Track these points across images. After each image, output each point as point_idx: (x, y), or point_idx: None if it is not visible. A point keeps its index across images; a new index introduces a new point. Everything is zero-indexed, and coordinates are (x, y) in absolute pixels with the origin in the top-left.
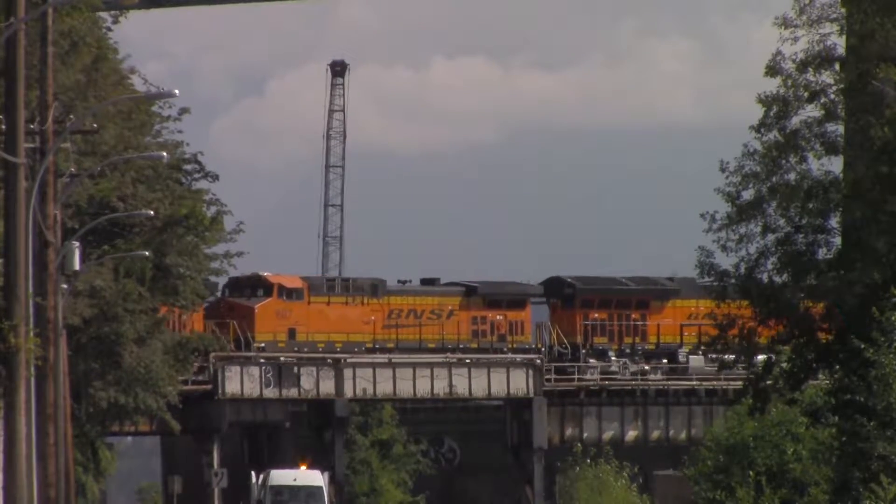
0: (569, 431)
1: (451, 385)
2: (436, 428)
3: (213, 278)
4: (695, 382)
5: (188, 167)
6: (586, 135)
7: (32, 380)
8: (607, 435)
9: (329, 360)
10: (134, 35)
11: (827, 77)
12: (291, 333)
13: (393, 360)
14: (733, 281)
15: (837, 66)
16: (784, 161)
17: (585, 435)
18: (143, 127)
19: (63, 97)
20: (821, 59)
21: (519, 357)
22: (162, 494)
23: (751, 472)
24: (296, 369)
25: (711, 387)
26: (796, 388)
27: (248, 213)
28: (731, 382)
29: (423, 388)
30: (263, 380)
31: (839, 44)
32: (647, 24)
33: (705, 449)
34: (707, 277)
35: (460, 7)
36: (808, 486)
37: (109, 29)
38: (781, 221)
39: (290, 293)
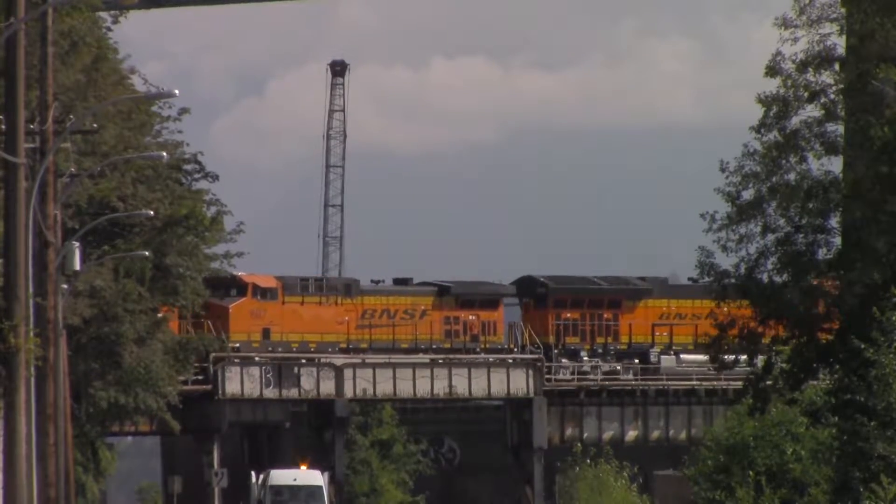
0: (569, 431)
1: (451, 385)
2: (436, 428)
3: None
4: (695, 382)
5: (188, 167)
6: (586, 135)
7: (32, 380)
8: (607, 435)
9: (329, 362)
10: (134, 35)
11: (827, 77)
12: (266, 333)
13: (393, 361)
14: (733, 281)
15: (837, 66)
16: (784, 161)
17: (585, 435)
18: (143, 127)
19: (63, 97)
20: (821, 59)
21: (519, 357)
22: (162, 494)
23: (750, 473)
24: (296, 369)
25: (711, 387)
26: (796, 388)
27: (248, 213)
28: (731, 382)
29: (423, 388)
30: (263, 380)
31: (839, 44)
32: (647, 24)
33: (705, 449)
34: (707, 277)
35: (460, 7)
36: (808, 486)
37: (109, 29)
38: (781, 221)
39: (264, 293)
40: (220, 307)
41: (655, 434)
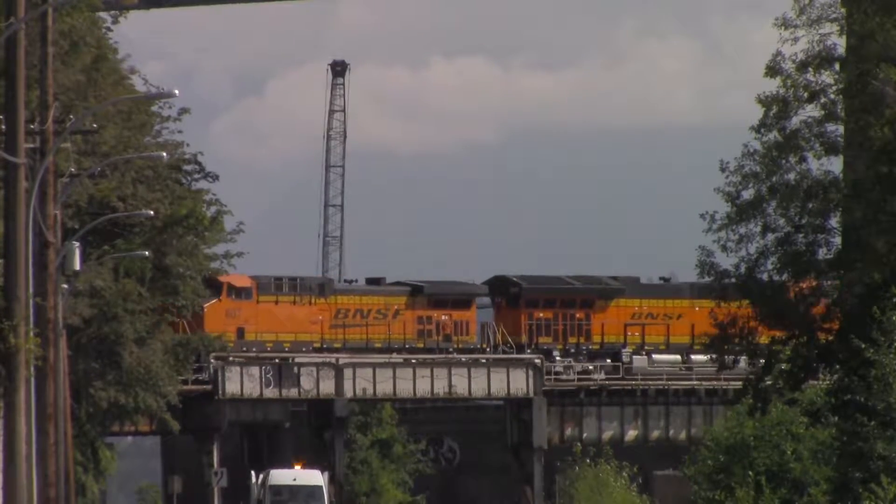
0: (569, 431)
1: (451, 385)
2: (436, 428)
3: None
4: (695, 382)
5: (188, 167)
6: (586, 135)
7: (32, 380)
8: (607, 435)
9: (332, 361)
10: (134, 35)
11: (827, 77)
12: (240, 333)
13: (393, 360)
14: (734, 280)
15: (837, 66)
16: (784, 161)
17: (585, 435)
18: (143, 127)
19: (63, 97)
20: (821, 59)
21: (519, 357)
22: (162, 494)
23: (750, 473)
24: (296, 369)
25: (711, 387)
26: (796, 388)
27: (248, 213)
28: (731, 382)
29: (423, 388)
30: (263, 380)
31: (839, 44)
32: (647, 24)
33: (705, 449)
34: (707, 277)
35: (460, 7)
36: (808, 486)
37: (109, 29)
38: (781, 221)
39: (238, 292)
40: None
41: (655, 434)
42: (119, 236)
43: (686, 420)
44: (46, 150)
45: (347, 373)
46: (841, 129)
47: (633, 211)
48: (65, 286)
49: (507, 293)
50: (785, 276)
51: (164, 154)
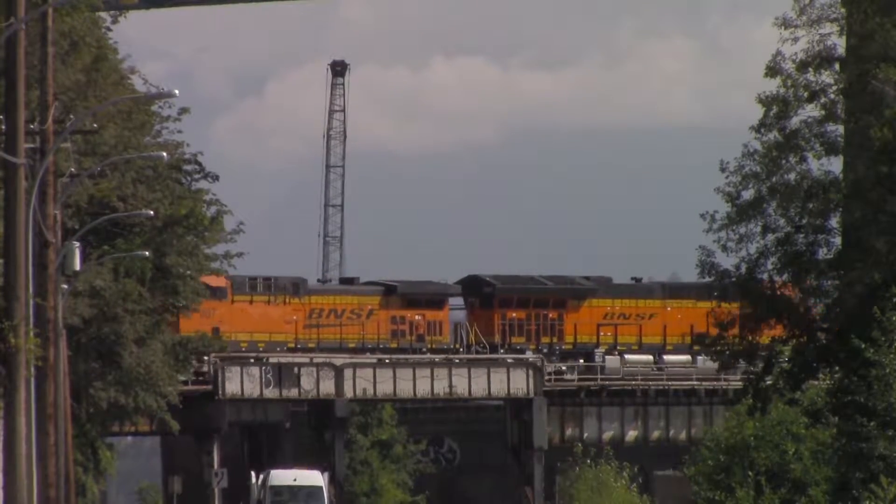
0: (569, 431)
1: (451, 385)
2: (436, 428)
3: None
4: (695, 382)
5: (188, 167)
6: (586, 135)
7: (32, 380)
8: (607, 435)
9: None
10: (134, 35)
11: (827, 77)
12: (215, 332)
13: (393, 360)
14: (734, 280)
15: (837, 66)
16: (784, 161)
17: (585, 435)
18: (143, 127)
19: (63, 97)
20: (821, 59)
21: (519, 357)
22: (162, 494)
23: (750, 473)
24: (296, 369)
25: (711, 387)
26: (796, 388)
27: (248, 213)
28: (731, 382)
29: (423, 388)
30: (263, 380)
31: (839, 44)
32: (646, 24)
33: (705, 449)
34: (707, 277)
35: (460, 7)
36: (808, 486)
37: (109, 29)
38: (781, 221)
39: (213, 292)
40: None
41: (655, 434)
42: (119, 236)
43: (686, 420)
44: (46, 150)
45: (347, 373)
46: (841, 129)
47: (634, 211)
48: (65, 286)
49: (480, 293)
50: (785, 276)
51: (165, 154)
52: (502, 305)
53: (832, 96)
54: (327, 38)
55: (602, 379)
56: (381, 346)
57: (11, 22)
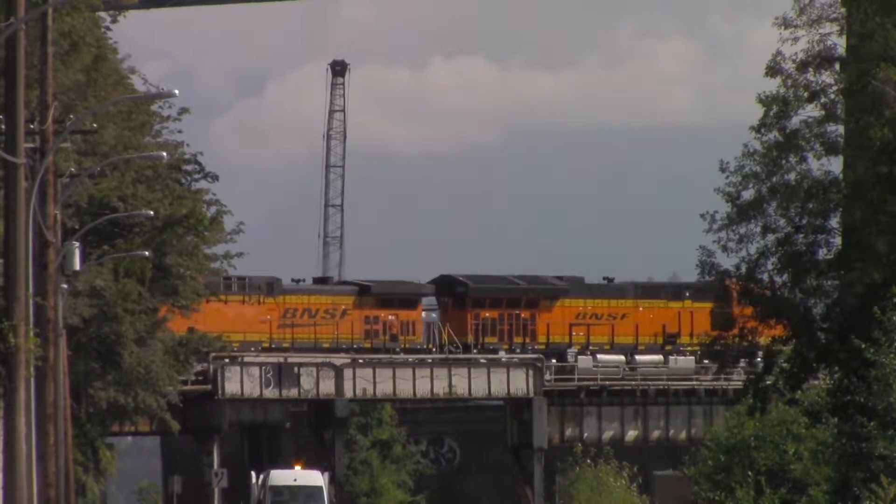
0: (569, 431)
1: (451, 385)
2: (436, 428)
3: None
4: (694, 382)
5: (188, 167)
6: (586, 135)
7: (32, 380)
8: (607, 435)
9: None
10: (134, 35)
11: (827, 77)
12: (189, 332)
13: (393, 360)
14: (734, 280)
15: (837, 66)
16: (784, 161)
17: (585, 435)
18: (143, 127)
19: (63, 97)
20: (821, 59)
21: (519, 357)
22: (162, 494)
23: (750, 473)
24: (296, 369)
25: (711, 387)
26: (796, 388)
27: (248, 213)
28: (731, 382)
29: (423, 388)
30: (263, 380)
31: (839, 44)
32: (646, 24)
33: (705, 449)
34: (707, 277)
35: (460, 7)
36: (808, 486)
37: (108, 28)
38: (781, 221)
39: None
40: None
41: (655, 434)
42: (119, 236)
43: (686, 420)
44: (46, 150)
45: (347, 373)
46: (841, 129)
47: (634, 211)
48: (65, 286)
49: (453, 293)
50: (785, 276)
51: (164, 154)
52: (475, 305)
53: (832, 96)
54: (327, 38)
55: (602, 379)
56: (355, 346)
57: (11, 22)
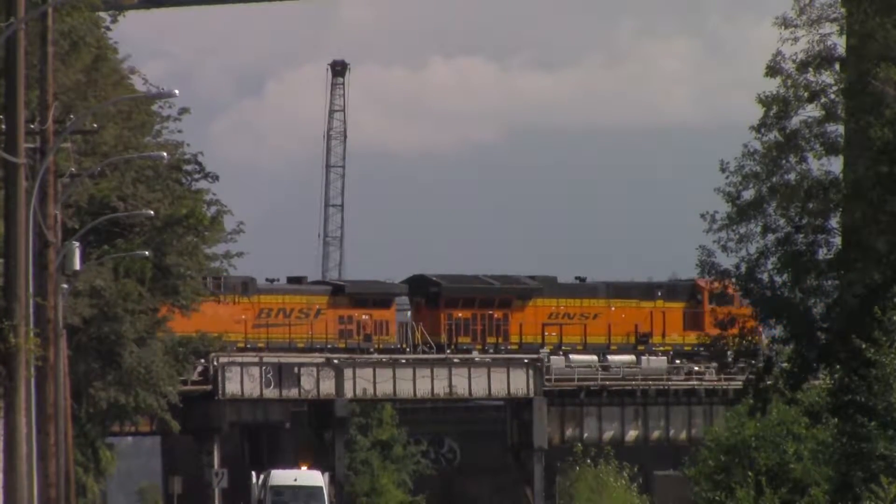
0: (569, 431)
1: (451, 385)
2: (436, 428)
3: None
4: (695, 382)
5: (188, 167)
6: (586, 135)
7: (32, 380)
8: (607, 435)
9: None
10: (134, 35)
11: (827, 77)
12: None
13: (393, 360)
14: (734, 280)
15: (837, 66)
16: (784, 161)
17: (585, 435)
18: (143, 127)
19: (63, 97)
20: (821, 59)
21: (520, 357)
22: (162, 494)
23: (750, 473)
24: (296, 369)
25: (711, 387)
26: (796, 388)
27: (248, 213)
28: (731, 382)
29: (423, 388)
30: (263, 380)
31: (839, 44)
32: (646, 24)
33: (705, 449)
34: (707, 277)
35: (460, 7)
36: (808, 486)
37: (108, 28)
38: (781, 221)
39: None
40: None
41: (655, 434)
42: (119, 236)
43: (686, 420)
44: (46, 150)
45: (347, 373)
46: (841, 129)
47: (634, 211)
48: (65, 286)
49: (426, 293)
50: (785, 276)
51: (165, 154)
52: (448, 305)
53: (832, 96)
54: (327, 38)
55: (602, 378)
56: (329, 346)
57: (11, 22)
